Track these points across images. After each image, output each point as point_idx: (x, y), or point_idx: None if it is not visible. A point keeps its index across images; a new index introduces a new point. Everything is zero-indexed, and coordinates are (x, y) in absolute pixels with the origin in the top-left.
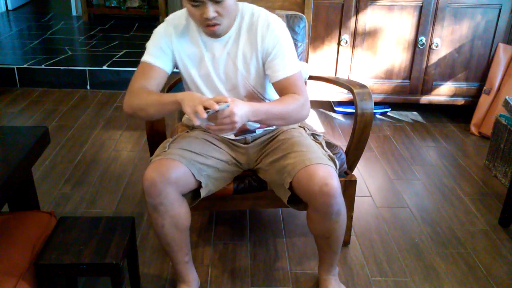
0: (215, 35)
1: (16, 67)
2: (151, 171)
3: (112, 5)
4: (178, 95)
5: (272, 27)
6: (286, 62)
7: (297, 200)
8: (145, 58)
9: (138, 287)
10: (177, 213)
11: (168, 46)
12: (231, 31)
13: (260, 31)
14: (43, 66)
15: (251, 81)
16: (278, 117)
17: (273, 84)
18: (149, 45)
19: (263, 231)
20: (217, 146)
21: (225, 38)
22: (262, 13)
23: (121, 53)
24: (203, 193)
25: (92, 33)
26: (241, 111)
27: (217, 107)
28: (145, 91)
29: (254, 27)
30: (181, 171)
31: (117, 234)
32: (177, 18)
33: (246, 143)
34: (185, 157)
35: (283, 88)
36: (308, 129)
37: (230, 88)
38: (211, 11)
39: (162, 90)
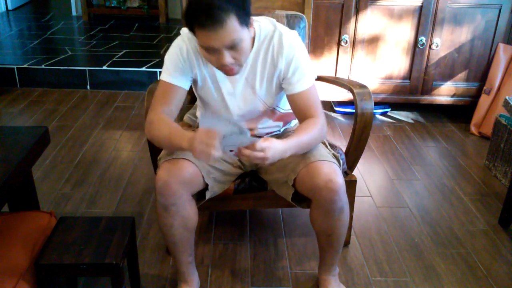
0: (233, 75)
1: (16, 67)
2: (165, 171)
3: (112, 5)
4: (184, 143)
5: (285, 49)
6: (301, 76)
7: (299, 198)
8: (163, 77)
9: (138, 287)
10: (187, 214)
11: (185, 62)
12: (248, 57)
13: (275, 54)
14: (43, 66)
15: (269, 101)
16: (306, 147)
17: (288, 96)
18: (166, 62)
19: (263, 231)
20: None
21: None
22: (275, 35)
23: (121, 53)
24: (208, 195)
25: (92, 33)
26: (275, 150)
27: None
28: (161, 121)
29: (270, 50)
30: (193, 172)
31: (117, 234)
32: (194, 38)
33: None
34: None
35: (300, 105)
36: None
37: (245, 113)
38: (227, 57)
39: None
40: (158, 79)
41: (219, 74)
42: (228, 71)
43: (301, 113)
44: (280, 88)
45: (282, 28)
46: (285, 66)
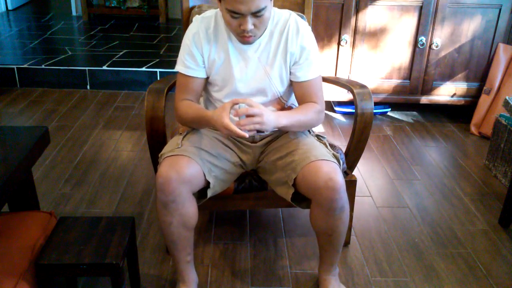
0: (248, 44)
1: (16, 67)
2: (166, 168)
3: (112, 5)
4: (208, 114)
5: (301, 33)
6: (310, 67)
7: (299, 198)
8: (180, 68)
9: (138, 287)
10: (186, 212)
11: (199, 52)
12: (263, 37)
13: (290, 37)
14: (43, 66)
15: (279, 86)
16: (298, 125)
17: (293, 84)
18: (182, 53)
19: (263, 231)
20: (226, 145)
21: (256, 43)
22: (292, 19)
23: (121, 53)
24: (210, 193)
25: (92, 33)
26: (270, 116)
27: (249, 109)
28: (186, 105)
29: (285, 33)
30: (195, 170)
31: (117, 234)
32: (207, 20)
33: (253, 142)
34: (198, 155)
35: (302, 92)
36: (313, 131)
37: (256, 93)
38: (249, 23)
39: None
40: (175, 69)
41: (234, 56)
42: (247, 38)
43: (304, 99)
44: (288, 75)
45: (298, 17)
46: (298, 51)
